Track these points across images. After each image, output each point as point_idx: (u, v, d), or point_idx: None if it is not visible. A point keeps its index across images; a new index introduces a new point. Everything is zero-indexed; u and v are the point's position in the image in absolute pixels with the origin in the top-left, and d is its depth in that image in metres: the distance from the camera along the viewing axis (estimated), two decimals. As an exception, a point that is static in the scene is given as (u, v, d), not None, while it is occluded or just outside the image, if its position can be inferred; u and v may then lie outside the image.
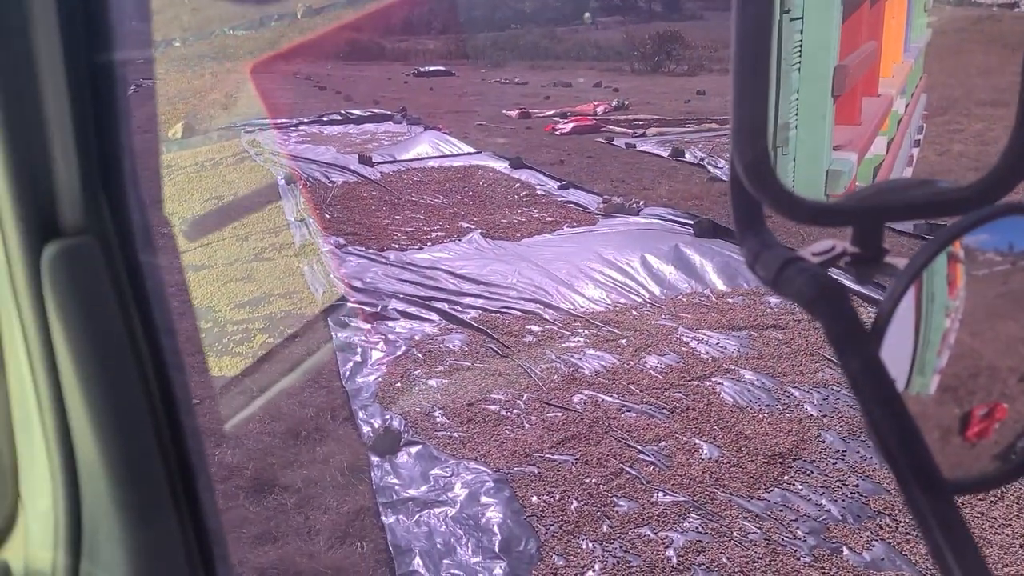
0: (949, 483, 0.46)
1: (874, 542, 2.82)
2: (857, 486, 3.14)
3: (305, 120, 14.84)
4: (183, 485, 0.60)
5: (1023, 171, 0.47)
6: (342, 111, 15.82)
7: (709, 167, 10.12)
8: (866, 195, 0.51)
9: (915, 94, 5.52)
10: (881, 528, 2.88)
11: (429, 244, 6.88)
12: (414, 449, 3.55)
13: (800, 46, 1.91)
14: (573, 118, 14.86)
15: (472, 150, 11.55)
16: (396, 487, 3.29)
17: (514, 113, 16.18)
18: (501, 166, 10.27)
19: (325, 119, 14.98)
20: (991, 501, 2.96)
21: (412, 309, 5.28)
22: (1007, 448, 0.53)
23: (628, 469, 3.34)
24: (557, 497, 3.19)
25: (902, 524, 2.87)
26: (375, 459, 3.48)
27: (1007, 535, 2.80)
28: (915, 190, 0.52)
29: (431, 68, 29.71)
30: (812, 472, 3.25)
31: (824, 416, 3.67)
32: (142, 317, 0.58)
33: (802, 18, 1.88)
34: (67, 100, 0.54)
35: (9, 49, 0.51)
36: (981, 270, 0.51)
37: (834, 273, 0.50)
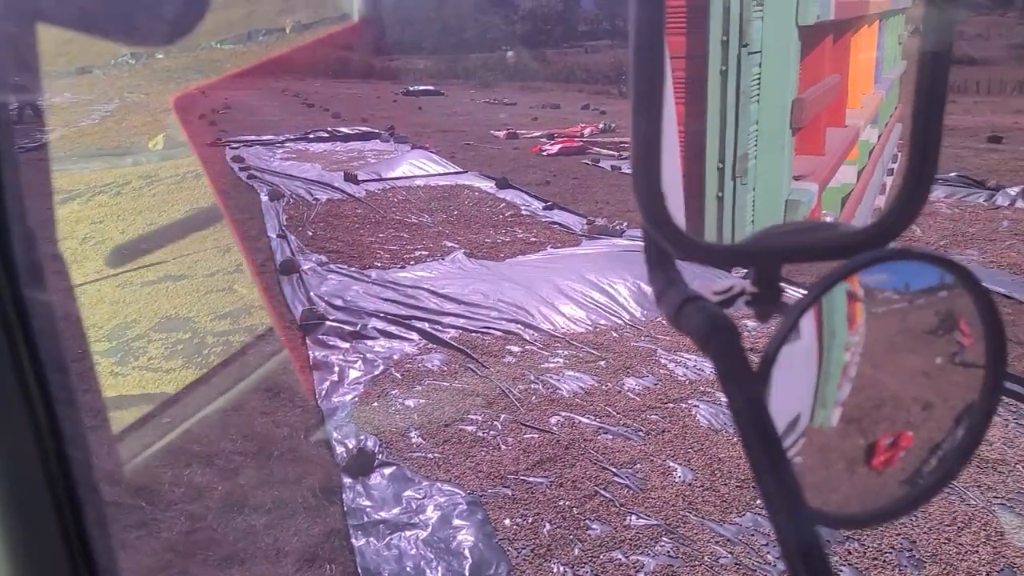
0: (817, 516, 0.49)
1: (842, 567, 2.82)
2: (829, 511, 3.14)
3: (292, 137, 14.85)
4: (75, 526, 0.57)
5: (911, 218, 0.48)
6: (329, 128, 15.85)
7: (693, 190, 10.20)
8: (765, 237, 0.52)
9: (889, 124, 5.60)
10: (849, 553, 2.88)
11: (412, 263, 6.89)
12: (388, 470, 3.53)
13: (759, 79, 1.94)
14: (560, 140, 14.94)
15: (458, 169, 11.59)
16: (368, 509, 3.27)
17: (502, 134, 16.27)
18: (487, 186, 10.31)
19: (312, 136, 15.01)
20: (958, 527, 2.97)
21: (392, 328, 5.27)
22: (914, 474, 0.54)
23: (602, 492, 3.33)
24: (530, 520, 3.18)
25: (870, 549, 2.88)
26: (348, 480, 3.46)
27: (974, 561, 2.81)
28: (813, 233, 0.53)
29: (420, 87, 29.84)
30: (785, 496, 3.25)
31: (798, 440, 3.68)
32: (31, 356, 0.55)
33: (760, 52, 1.92)
34: None
35: None
36: (881, 308, 0.53)
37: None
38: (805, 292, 0.48)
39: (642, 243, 0.54)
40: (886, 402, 0.54)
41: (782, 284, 0.51)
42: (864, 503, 0.53)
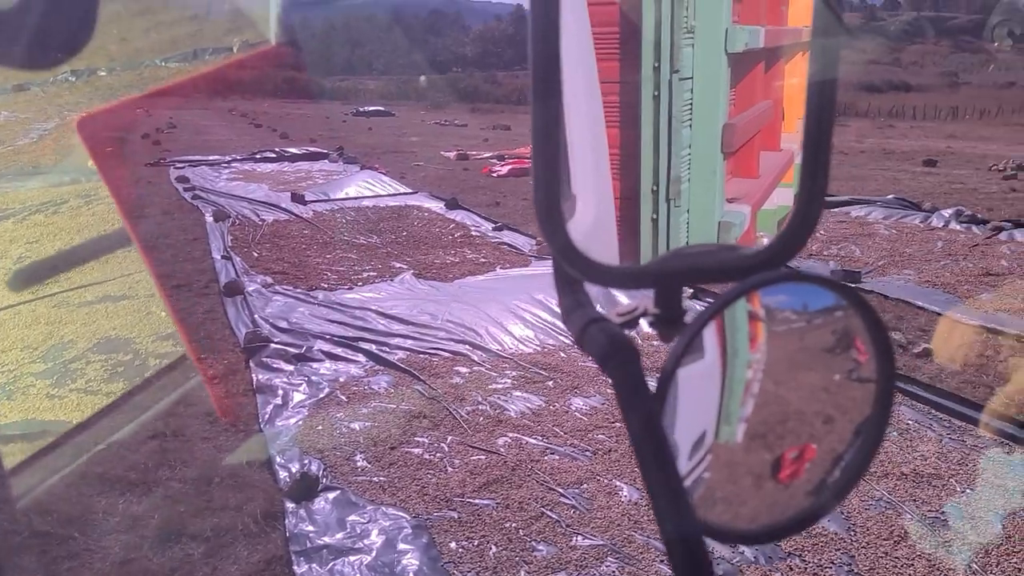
0: (711, 530, 0.52)
1: (785, 583, 2.86)
2: (771, 527, 3.19)
3: (238, 157, 14.67)
4: None
5: (803, 240, 0.50)
6: (277, 149, 15.69)
7: (640, 211, 10.35)
8: (666, 260, 0.54)
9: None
10: (791, 569, 2.92)
11: (360, 284, 6.83)
12: (332, 495, 3.47)
13: (691, 104, 1.99)
14: (510, 160, 15.04)
15: (408, 190, 11.57)
16: (310, 534, 3.21)
17: (452, 154, 16.32)
18: (436, 207, 10.31)
19: (259, 156, 14.84)
20: (895, 541, 3.04)
21: (338, 350, 5.20)
22: (819, 484, 0.55)
23: (548, 513, 3.33)
24: (476, 543, 3.15)
25: (811, 564, 2.93)
26: (290, 505, 3.39)
27: (909, 574, 2.87)
28: (714, 256, 0.55)
29: (371, 108, 29.81)
30: (728, 513, 3.29)
31: (741, 457, 3.73)
32: None
33: (692, 78, 1.97)
34: None
35: None
36: (781, 327, 0.54)
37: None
38: (695, 317, 0.49)
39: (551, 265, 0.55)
40: (788, 417, 0.56)
41: (684, 305, 0.52)
42: (772, 516, 0.54)
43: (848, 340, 0.54)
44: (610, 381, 0.48)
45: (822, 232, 9.09)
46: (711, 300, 0.50)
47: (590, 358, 0.50)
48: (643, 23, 1.75)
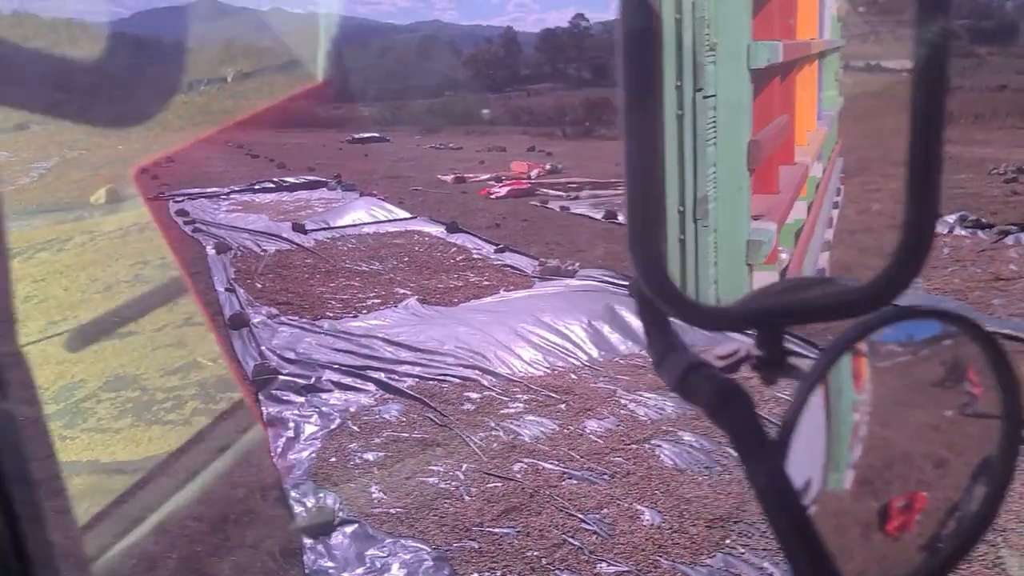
0: None
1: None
2: (797, 546, 3.14)
3: (236, 188, 14.68)
4: None
5: (916, 271, 0.47)
6: (275, 179, 15.72)
7: (641, 228, 10.34)
8: (764, 298, 0.50)
9: (831, 158, 5.78)
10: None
11: (364, 312, 6.79)
12: (349, 528, 3.42)
13: (714, 122, 1.97)
14: (508, 182, 15.07)
15: (408, 215, 11.57)
16: (330, 570, 3.15)
17: (449, 178, 16.34)
18: (437, 231, 10.30)
19: (257, 187, 14.85)
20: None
21: (347, 379, 5.16)
22: (933, 539, 0.52)
23: (570, 539, 3.27)
24: (499, 573, 3.09)
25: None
26: (308, 541, 3.33)
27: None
28: (812, 291, 0.52)
29: (366, 135, 29.92)
30: (753, 534, 3.24)
31: (762, 475, 3.68)
32: None
33: (715, 95, 1.96)
34: None
35: None
36: (885, 363, 0.51)
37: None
38: (815, 355, 0.46)
39: (636, 308, 0.52)
40: (895, 461, 0.53)
41: (787, 346, 0.49)
42: (883, 571, 0.51)
43: (959, 372, 0.50)
44: (724, 432, 0.45)
45: (825, 243, 9.09)
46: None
47: (693, 406, 0.47)
48: (664, 41, 1.74)
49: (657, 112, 0.44)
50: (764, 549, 3.14)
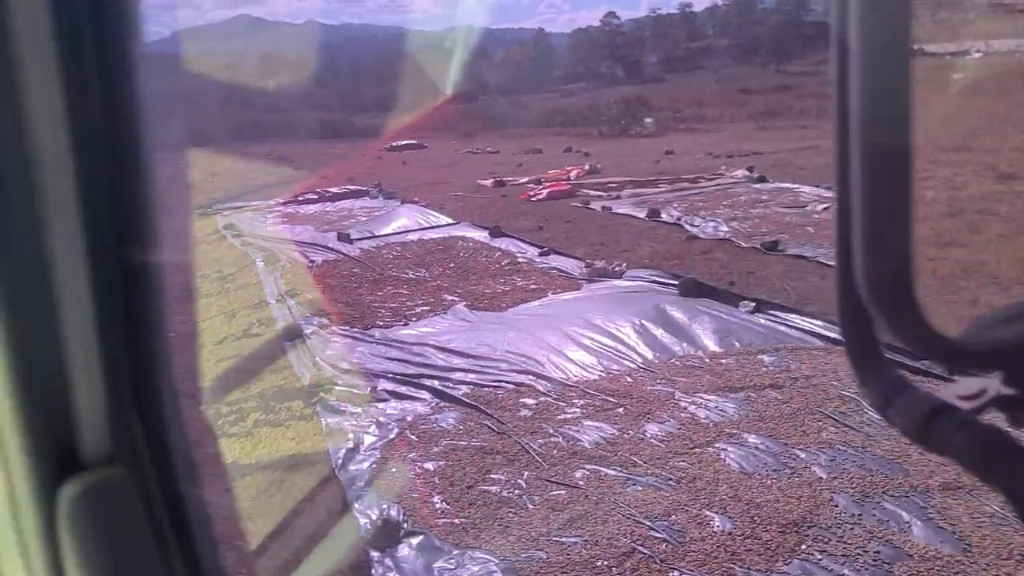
0: None
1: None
2: (879, 552, 3.03)
3: (281, 200, 14.87)
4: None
5: None
6: (318, 189, 15.88)
7: (687, 226, 10.21)
8: (1012, 327, 0.44)
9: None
10: (909, 596, 2.77)
11: (414, 319, 6.80)
12: (415, 540, 3.40)
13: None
14: (547, 184, 15.02)
15: (450, 221, 11.59)
16: (399, 583, 3.13)
17: (489, 182, 16.35)
18: (480, 236, 10.29)
19: (300, 198, 15.02)
20: (1016, 561, 2.87)
21: (402, 388, 5.16)
22: None
23: (640, 548, 3.21)
24: (569, 583, 3.04)
25: (931, 591, 2.77)
26: (375, 554, 3.32)
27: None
28: None
29: (403, 142, 30.11)
30: (829, 539, 3.14)
31: (834, 478, 3.58)
32: (187, 563, 0.47)
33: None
34: (89, 301, 0.44)
35: (23, 247, 0.42)
36: None
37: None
38: None
39: (841, 338, 0.46)
40: None
41: None
42: None
43: None
44: (995, 489, 0.39)
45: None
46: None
47: (940, 455, 0.41)
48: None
49: (909, 122, 0.39)
50: (842, 555, 3.04)
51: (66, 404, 0.44)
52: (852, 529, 3.20)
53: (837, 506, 3.36)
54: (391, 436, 4.48)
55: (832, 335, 5.52)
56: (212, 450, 4.06)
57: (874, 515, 3.28)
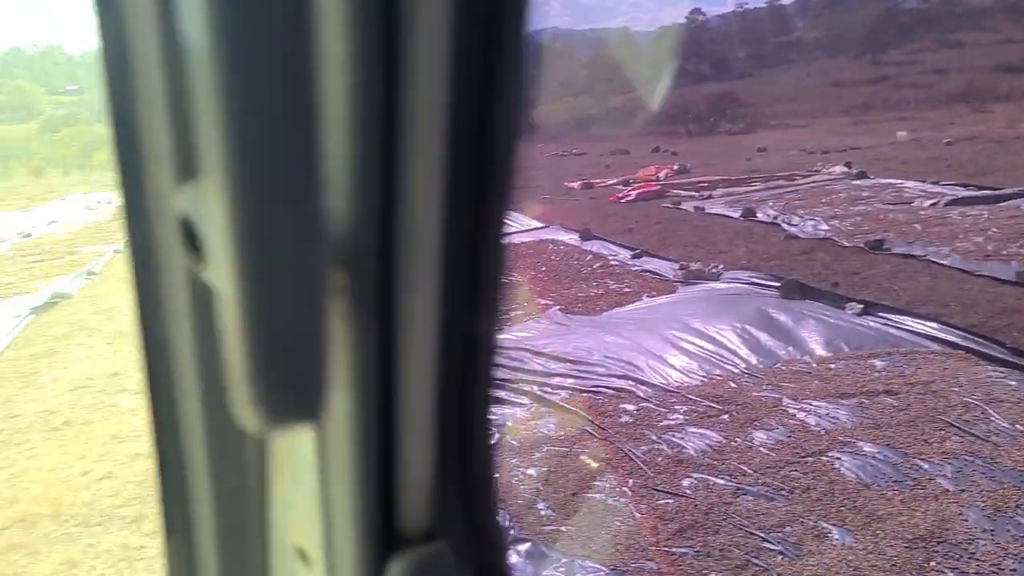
0: None
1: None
2: (1015, 571, 2.85)
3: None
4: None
5: None
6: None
7: (784, 225, 9.91)
8: None
9: None
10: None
11: (509, 323, 6.82)
12: (523, 547, 3.40)
13: None
14: (637, 185, 14.86)
15: (539, 224, 11.59)
16: (509, 590, 3.14)
17: (577, 184, 16.30)
18: (571, 239, 10.27)
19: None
20: None
21: (501, 393, 5.18)
22: None
23: (755, 560, 3.11)
24: (682, 595, 2.98)
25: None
26: (484, 560, 3.33)
27: None
28: None
29: (489, 146, 30.40)
30: (961, 556, 2.97)
31: (962, 491, 3.39)
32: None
33: None
34: (433, 374, 0.42)
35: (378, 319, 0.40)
36: None
37: None
38: None
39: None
40: None
41: None
42: None
43: None
44: None
45: (994, 230, 8.38)
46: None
47: None
48: None
49: None
50: (975, 573, 2.87)
51: (396, 478, 0.43)
52: (985, 545, 3.02)
53: (967, 520, 3.18)
54: (492, 441, 4.49)
55: (949, 338, 5.25)
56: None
57: (1008, 530, 3.09)
